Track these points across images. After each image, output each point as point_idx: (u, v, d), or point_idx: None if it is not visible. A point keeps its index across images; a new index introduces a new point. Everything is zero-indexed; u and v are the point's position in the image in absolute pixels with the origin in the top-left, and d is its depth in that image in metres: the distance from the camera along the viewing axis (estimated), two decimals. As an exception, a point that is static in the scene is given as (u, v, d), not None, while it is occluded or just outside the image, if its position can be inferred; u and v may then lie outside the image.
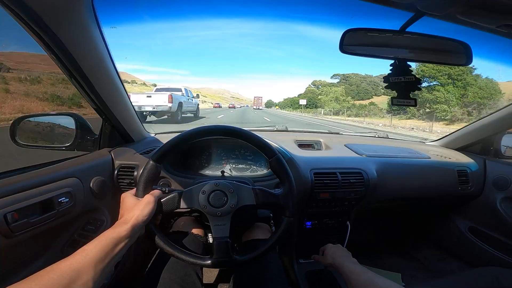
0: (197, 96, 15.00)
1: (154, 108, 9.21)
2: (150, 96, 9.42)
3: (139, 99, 9.17)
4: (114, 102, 0.93)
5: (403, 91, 0.69)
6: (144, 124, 1.22)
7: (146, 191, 0.69)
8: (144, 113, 9.34)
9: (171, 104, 9.30)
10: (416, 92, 0.68)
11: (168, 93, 9.62)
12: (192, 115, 12.96)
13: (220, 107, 62.12)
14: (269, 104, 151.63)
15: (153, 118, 10.44)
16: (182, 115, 10.86)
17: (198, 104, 14.02)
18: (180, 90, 12.04)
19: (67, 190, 0.78)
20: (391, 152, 1.47)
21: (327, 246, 0.98)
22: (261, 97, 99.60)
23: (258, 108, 75.78)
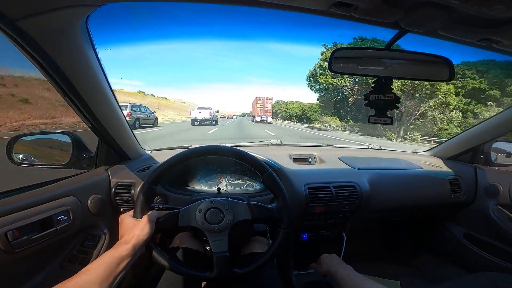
0: (217, 111, 30.48)
1: (203, 118, 20.03)
2: (200, 112, 20.38)
3: (195, 114, 20.27)
4: (110, 121, 0.95)
5: (381, 109, 0.71)
6: (139, 141, 1.23)
7: (143, 212, 0.70)
8: (196, 122, 19.78)
9: (211, 116, 20.21)
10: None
11: (209, 110, 20.36)
12: (214, 122, 22.66)
13: (224, 117, 64.55)
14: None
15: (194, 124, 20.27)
16: (213, 121, 21.50)
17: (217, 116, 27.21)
18: (210, 108, 21.77)
19: (66, 208, 0.79)
20: (383, 164, 1.50)
21: (322, 256, 1.00)
22: (271, 98, 43.71)
23: (266, 121, 37.59)
